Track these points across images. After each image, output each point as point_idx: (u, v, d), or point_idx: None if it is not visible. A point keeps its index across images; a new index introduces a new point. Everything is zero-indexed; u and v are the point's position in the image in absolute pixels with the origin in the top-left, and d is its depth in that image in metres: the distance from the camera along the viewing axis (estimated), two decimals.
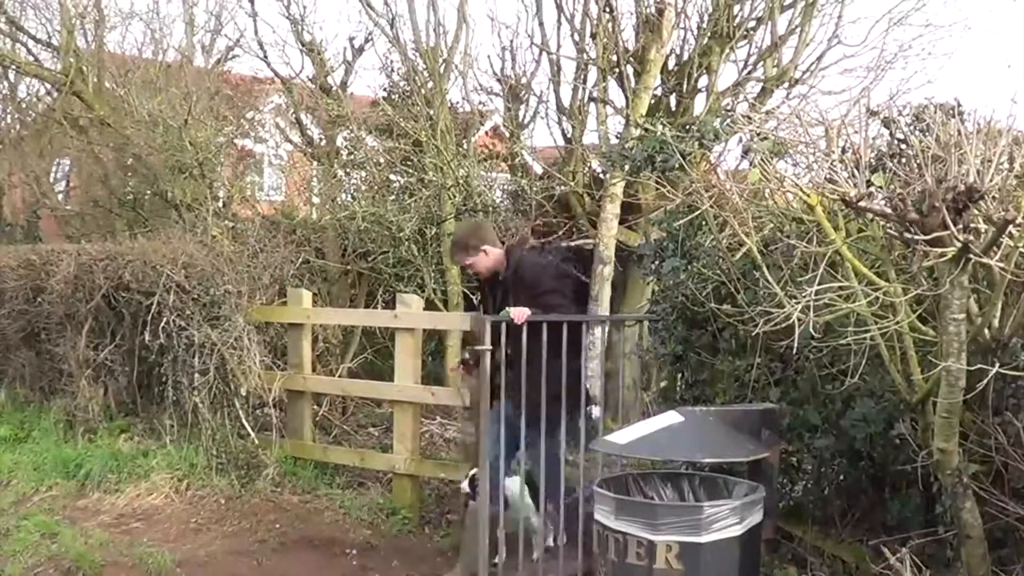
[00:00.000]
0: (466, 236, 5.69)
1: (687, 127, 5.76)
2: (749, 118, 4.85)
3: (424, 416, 7.66)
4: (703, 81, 9.80)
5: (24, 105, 14.08)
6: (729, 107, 9.60)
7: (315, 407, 7.51)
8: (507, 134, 10.81)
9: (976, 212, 3.10)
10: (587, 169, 10.20)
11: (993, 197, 3.08)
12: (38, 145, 13.29)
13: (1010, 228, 3.08)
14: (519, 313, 4.96)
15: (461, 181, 9.01)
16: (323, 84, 10.97)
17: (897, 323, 3.49)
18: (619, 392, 8.05)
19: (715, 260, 4.73)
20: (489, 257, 5.57)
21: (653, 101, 9.46)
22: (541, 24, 10.14)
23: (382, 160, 9.67)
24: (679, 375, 5.23)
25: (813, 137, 3.99)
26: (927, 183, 3.04)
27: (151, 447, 7.02)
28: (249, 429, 6.83)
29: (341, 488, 6.70)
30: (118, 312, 7.47)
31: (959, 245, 3.04)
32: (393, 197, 9.31)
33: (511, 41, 10.67)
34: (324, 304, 8.84)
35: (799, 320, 3.42)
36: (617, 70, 9.34)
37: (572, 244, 9.63)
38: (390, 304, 8.80)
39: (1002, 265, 3.26)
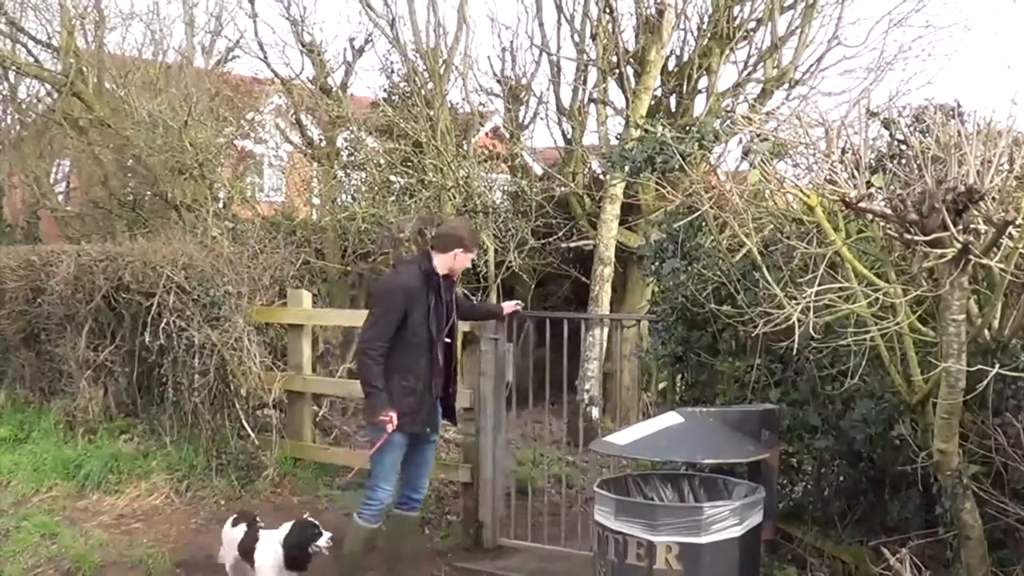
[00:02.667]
0: None
1: (687, 128, 5.76)
2: (749, 119, 4.85)
3: None
4: (703, 82, 9.83)
5: (24, 106, 14.08)
6: (729, 108, 9.61)
7: (315, 408, 7.51)
8: (507, 135, 10.83)
9: (976, 213, 3.10)
10: (587, 170, 10.22)
11: (993, 198, 3.08)
12: (38, 146, 13.29)
13: (1010, 229, 3.08)
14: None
15: (461, 182, 9.02)
16: (323, 85, 10.98)
17: (897, 324, 3.49)
18: (619, 393, 8.09)
19: (715, 261, 4.72)
20: None
21: (653, 102, 9.48)
22: (541, 25, 10.18)
23: (382, 161, 9.68)
24: (679, 376, 5.22)
25: (813, 138, 3.99)
26: (927, 184, 3.04)
27: (151, 448, 7.02)
28: (249, 430, 6.83)
29: (341, 489, 6.69)
30: (118, 313, 7.47)
31: (959, 246, 3.04)
32: (393, 198, 9.31)
33: (511, 42, 10.75)
34: (324, 305, 8.84)
35: (799, 321, 3.42)
36: (617, 71, 9.35)
37: (572, 245, 9.66)
38: None
39: (1002, 266, 3.26)
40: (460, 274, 5.19)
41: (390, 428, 4.69)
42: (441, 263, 4.90)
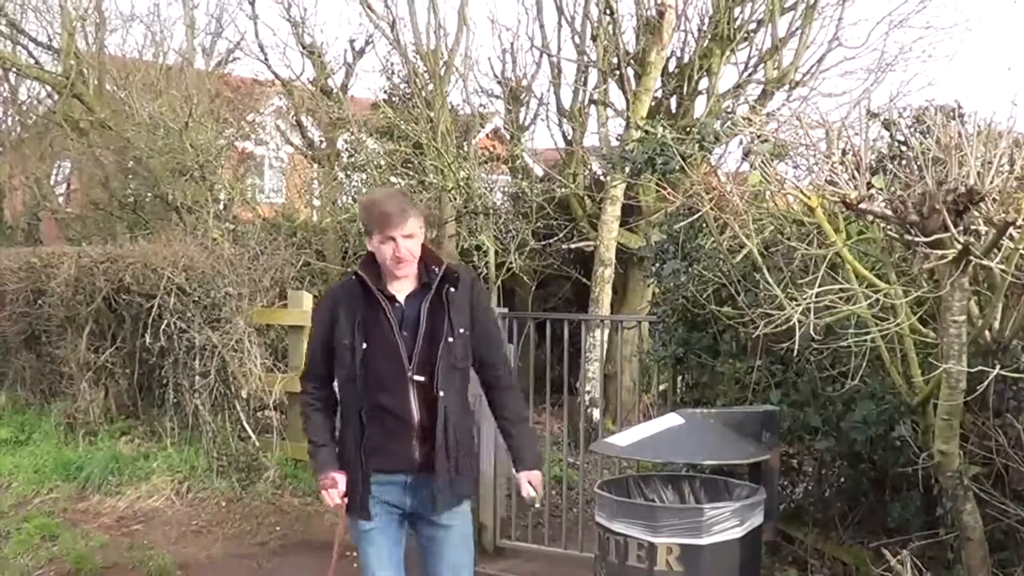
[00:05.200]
0: (410, 201, 3.36)
1: (688, 129, 5.77)
2: (750, 120, 4.85)
3: None
4: (704, 83, 9.82)
5: (25, 108, 14.11)
6: (730, 109, 9.61)
7: None
8: (508, 136, 10.82)
9: (977, 214, 3.10)
10: (588, 171, 10.21)
11: (993, 199, 3.08)
12: (39, 148, 13.31)
13: (1010, 230, 3.08)
14: None
15: (462, 183, 9.02)
16: (323, 86, 10.98)
17: (898, 325, 3.49)
18: (619, 394, 8.09)
19: (716, 262, 4.72)
20: (419, 244, 3.28)
21: (654, 103, 9.47)
22: (542, 26, 10.19)
23: (383, 162, 9.67)
24: (679, 377, 5.22)
25: (814, 139, 3.99)
26: (927, 185, 3.04)
27: (152, 449, 7.03)
28: (250, 431, 6.83)
29: None
30: (119, 315, 7.47)
31: (959, 247, 3.03)
32: None
33: (511, 43, 10.73)
34: None
35: (800, 322, 3.42)
36: (617, 72, 9.34)
37: (572, 246, 9.65)
38: None
39: (1003, 267, 3.25)
40: (452, 284, 3.25)
41: (328, 500, 3.28)
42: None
